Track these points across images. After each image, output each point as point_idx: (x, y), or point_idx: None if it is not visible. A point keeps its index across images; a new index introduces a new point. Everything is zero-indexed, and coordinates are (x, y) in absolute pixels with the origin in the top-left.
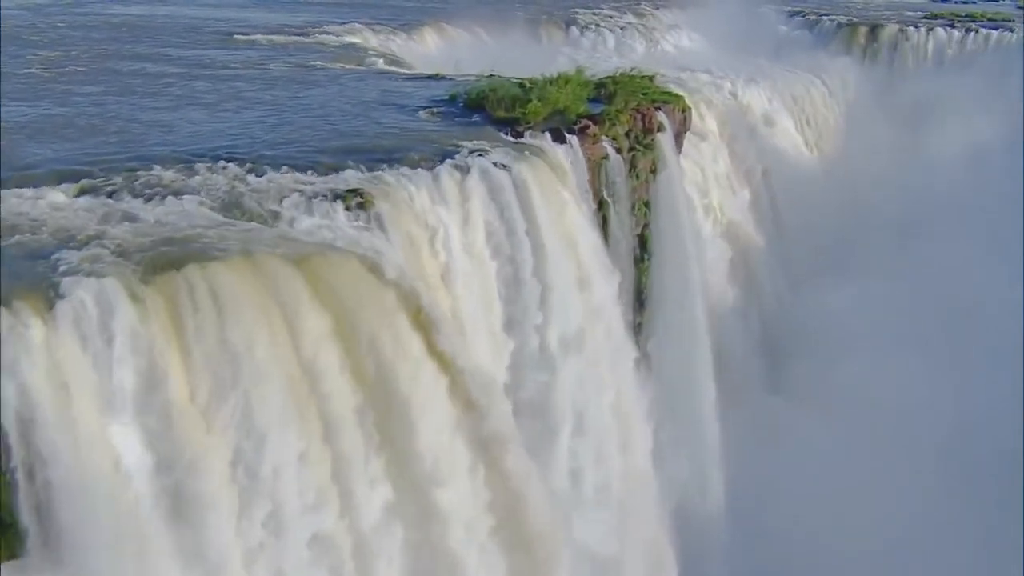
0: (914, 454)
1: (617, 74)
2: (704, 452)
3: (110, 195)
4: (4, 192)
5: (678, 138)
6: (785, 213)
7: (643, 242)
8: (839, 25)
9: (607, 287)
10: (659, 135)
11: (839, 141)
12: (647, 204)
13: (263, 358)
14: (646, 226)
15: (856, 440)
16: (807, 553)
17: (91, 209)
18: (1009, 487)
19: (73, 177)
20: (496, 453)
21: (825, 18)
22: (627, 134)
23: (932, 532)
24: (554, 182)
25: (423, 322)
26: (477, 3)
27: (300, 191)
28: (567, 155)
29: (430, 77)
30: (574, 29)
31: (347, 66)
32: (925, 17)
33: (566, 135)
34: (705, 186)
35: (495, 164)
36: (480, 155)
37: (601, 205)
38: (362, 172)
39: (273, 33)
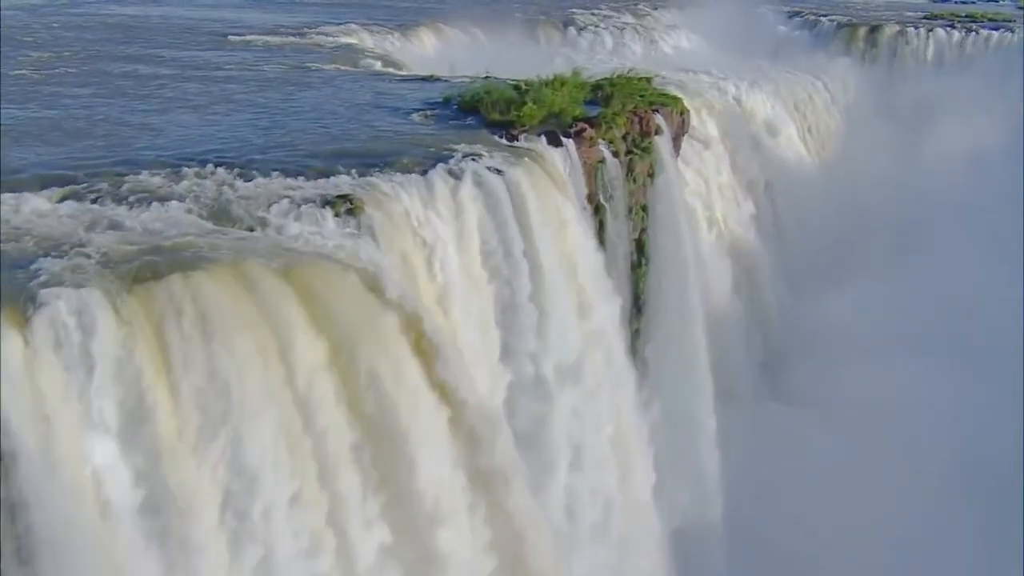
0: (915, 456)
1: (614, 76)
2: (704, 463)
3: (94, 201)
4: None
5: (676, 141)
6: (785, 216)
7: (640, 247)
8: (839, 25)
9: (608, 311)
10: (657, 138)
11: (839, 143)
12: (644, 208)
13: (255, 391)
14: (643, 231)
15: (857, 444)
16: (809, 564)
17: (75, 216)
18: (1010, 489)
19: (57, 182)
20: (498, 490)
21: (824, 19)
22: (624, 137)
23: (934, 538)
24: (550, 189)
25: (424, 349)
26: (474, 3)
27: (289, 197)
28: (563, 159)
29: (425, 79)
30: (572, 30)
31: (342, 67)
32: (925, 17)
33: (562, 138)
34: (709, 198)
35: (489, 169)
36: (473, 159)
37: (598, 210)
38: (353, 177)
39: (268, 34)
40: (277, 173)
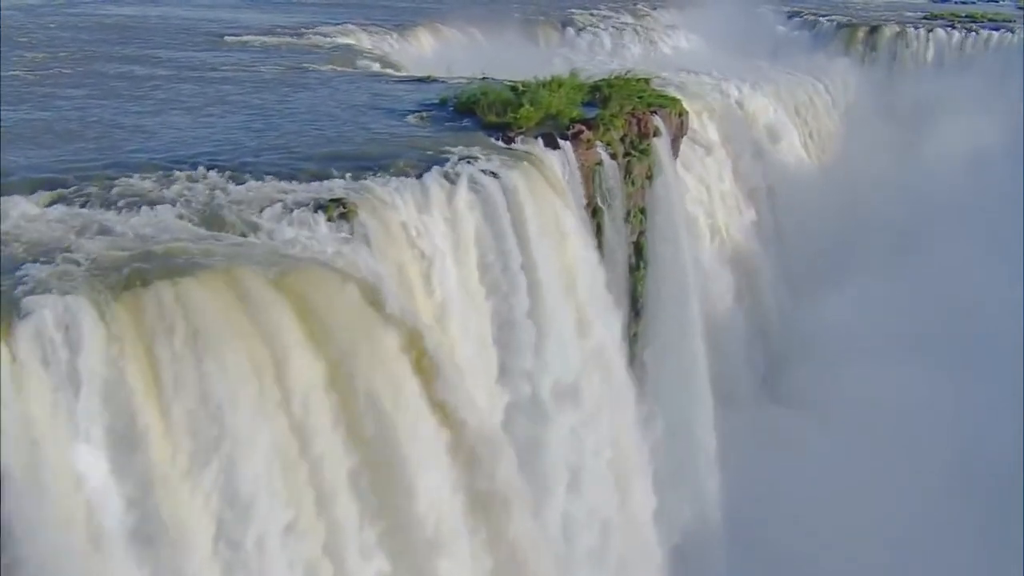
0: (915, 456)
1: (612, 77)
2: (703, 468)
3: (84, 205)
4: None
5: (675, 143)
6: (785, 219)
7: (639, 250)
8: (838, 26)
9: (608, 329)
10: (655, 140)
11: (839, 144)
12: (643, 211)
13: (249, 415)
14: (642, 233)
15: (857, 447)
16: (809, 564)
17: (64, 220)
18: (1010, 489)
19: (47, 185)
20: (499, 516)
21: (824, 19)
22: (622, 139)
23: (935, 538)
24: (548, 194)
25: (425, 367)
26: (472, 3)
27: (282, 201)
28: (560, 162)
29: (421, 80)
30: (570, 30)
31: (338, 68)
32: (925, 18)
33: (559, 141)
34: (711, 207)
35: (485, 172)
36: (468, 162)
37: (595, 213)
38: (347, 180)
39: (265, 34)
40: (270, 176)
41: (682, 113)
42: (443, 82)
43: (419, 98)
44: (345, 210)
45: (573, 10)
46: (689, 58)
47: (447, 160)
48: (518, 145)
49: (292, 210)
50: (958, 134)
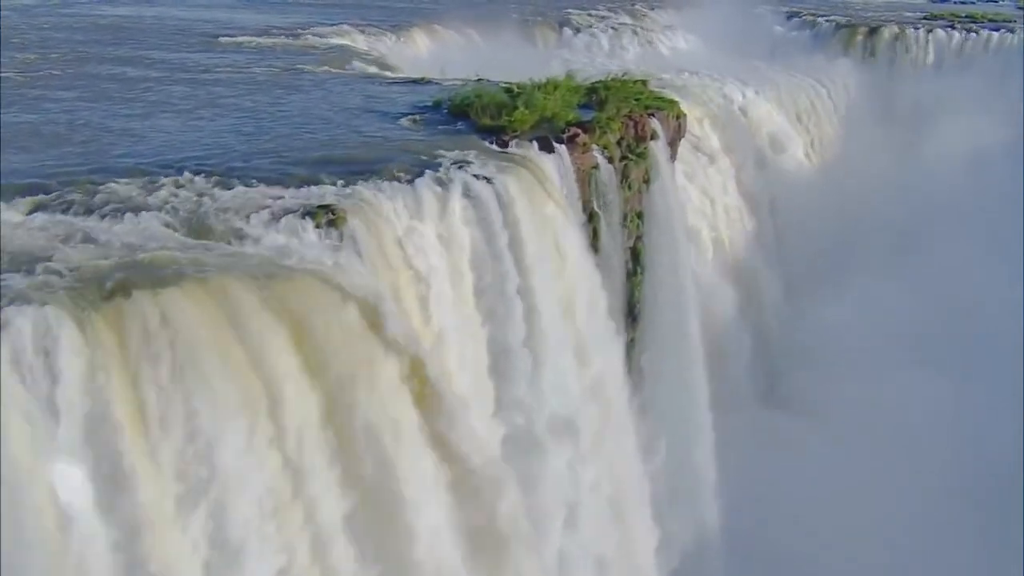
0: (915, 457)
1: (608, 79)
2: (703, 472)
3: (67, 211)
4: None
5: (672, 146)
6: (786, 221)
7: (636, 255)
8: (837, 26)
9: (609, 359)
10: (652, 143)
11: (839, 145)
12: (640, 215)
13: (240, 454)
14: (639, 238)
15: (857, 448)
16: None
17: (46, 228)
18: (1010, 490)
19: (31, 191)
20: (500, 555)
21: (823, 19)
22: (619, 142)
23: (935, 539)
24: (546, 204)
25: (427, 399)
26: (469, 4)
27: (269, 207)
28: (556, 166)
29: (416, 81)
30: (568, 31)
31: (333, 70)
32: (924, 18)
33: (554, 144)
34: (714, 219)
35: (477, 177)
36: (461, 167)
37: (592, 217)
38: (338, 187)
39: (260, 35)
40: (259, 182)
41: (680, 115)
42: (438, 84)
43: (413, 100)
44: (334, 216)
45: (571, 11)
46: (687, 59)
47: (440, 165)
48: (513, 149)
49: (280, 217)
50: (958, 134)
